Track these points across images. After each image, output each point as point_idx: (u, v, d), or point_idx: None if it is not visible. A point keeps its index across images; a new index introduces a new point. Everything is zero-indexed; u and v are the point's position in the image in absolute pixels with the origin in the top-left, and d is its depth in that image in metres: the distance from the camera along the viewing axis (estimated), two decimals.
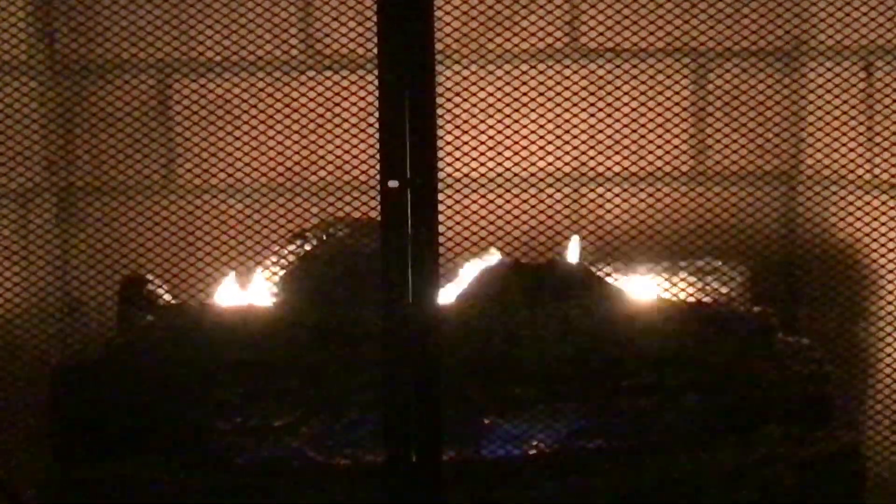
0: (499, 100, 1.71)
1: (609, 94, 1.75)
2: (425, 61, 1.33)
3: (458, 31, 1.57)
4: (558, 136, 1.71)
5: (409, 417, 1.37)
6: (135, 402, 1.57)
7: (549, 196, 1.75)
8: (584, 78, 1.74)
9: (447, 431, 1.40)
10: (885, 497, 1.63)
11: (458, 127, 1.58)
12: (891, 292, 1.66)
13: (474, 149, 1.59)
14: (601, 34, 1.73)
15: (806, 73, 1.86)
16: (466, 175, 1.55)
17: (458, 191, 1.50)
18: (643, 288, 1.74)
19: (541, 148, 1.70)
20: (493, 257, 1.74)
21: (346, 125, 1.62)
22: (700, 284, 1.75)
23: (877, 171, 1.71)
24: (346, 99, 1.64)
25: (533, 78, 1.76)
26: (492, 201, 1.64)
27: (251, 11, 1.79)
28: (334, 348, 1.57)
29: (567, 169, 1.76)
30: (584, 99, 1.71)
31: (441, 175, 1.34)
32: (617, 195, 1.78)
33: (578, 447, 1.55)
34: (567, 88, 1.73)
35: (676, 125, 1.86)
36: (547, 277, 1.66)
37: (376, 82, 1.34)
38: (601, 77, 1.76)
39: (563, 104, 1.72)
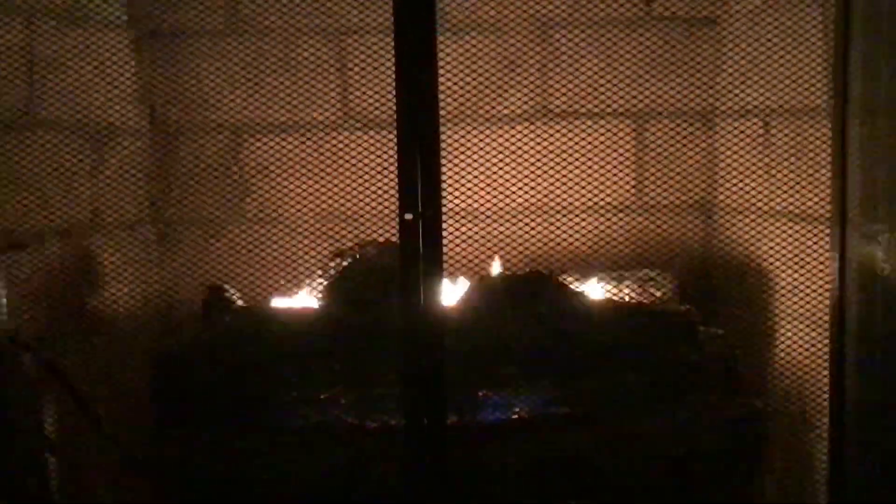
0: (488, 152, 1.70)
1: (572, 146, 1.75)
2: (432, 122, 1.36)
3: (458, 100, 1.58)
4: (533, 178, 1.75)
5: (421, 391, 1.39)
6: (216, 380, 1.58)
7: (526, 223, 1.76)
8: (551, 135, 1.77)
9: (450, 402, 1.42)
10: (782, 451, 1.65)
11: (457, 173, 1.58)
12: (784, 294, 1.66)
13: (469, 189, 1.61)
14: (564, 103, 1.86)
15: (719, 129, 1.88)
16: (464, 209, 1.58)
17: (457, 220, 1.50)
18: (597, 292, 1.76)
19: (520, 187, 1.71)
20: (485, 270, 1.77)
21: (373, 171, 1.60)
22: (639, 289, 1.77)
23: (773, 203, 1.72)
24: (373, 152, 1.63)
25: (514, 135, 1.81)
26: (483, 227, 1.70)
27: (302, 87, 1.86)
28: (365, 339, 1.58)
29: (539, 203, 1.79)
30: (552, 151, 1.76)
31: (444, 209, 1.36)
32: (577, 223, 1.74)
33: (548, 413, 1.55)
34: (539, 144, 1.79)
35: (621, 169, 1.88)
36: (524, 285, 1.65)
37: (396, 139, 1.35)
38: (564, 134, 1.75)
39: (537, 154, 1.78)
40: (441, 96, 1.36)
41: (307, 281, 1.76)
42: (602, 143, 1.78)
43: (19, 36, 1.58)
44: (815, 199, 1.55)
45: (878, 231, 1.32)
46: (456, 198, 1.53)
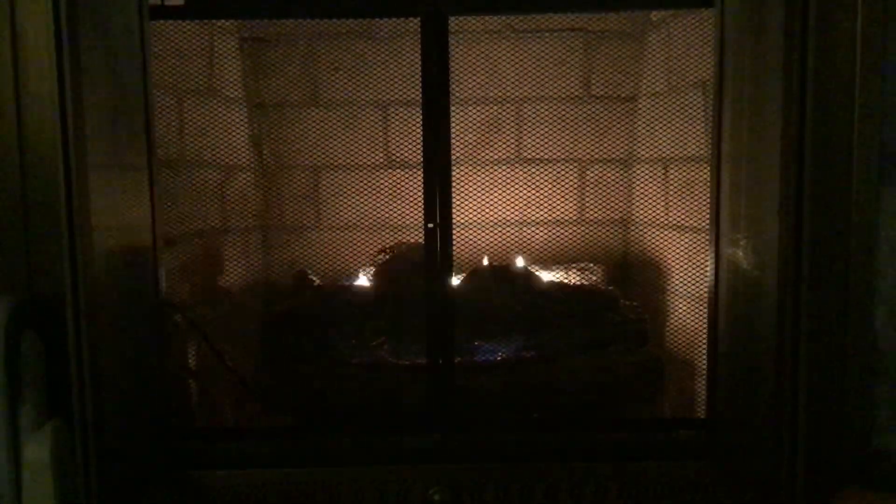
0: (483, 184, 1.68)
1: (537, 181, 1.75)
2: (446, 164, 1.34)
3: (463, 149, 1.60)
4: (511, 201, 1.75)
5: (437, 341, 1.37)
6: (302, 333, 1.57)
7: (507, 231, 1.74)
8: (523, 173, 1.78)
9: (456, 348, 1.39)
10: (673, 383, 1.60)
11: (462, 197, 1.48)
12: (678, 280, 1.62)
13: (470, 208, 1.59)
14: (532, 152, 1.80)
15: (635, 170, 1.83)
16: (466, 221, 1.52)
17: (461, 229, 1.43)
18: (552, 277, 1.74)
19: (503, 207, 1.70)
20: (479, 262, 1.72)
21: (408, 196, 1.55)
22: (580, 276, 1.74)
23: (670, 219, 1.69)
24: (407, 184, 1.57)
25: (499, 173, 1.79)
26: (478, 233, 1.64)
27: (359, 139, 1.79)
28: (400, 306, 1.54)
29: (516, 217, 1.77)
30: (523, 184, 1.76)
31: (453, 221, 1.34)
32: (540, 231, 1.75)
33: (520, 356, 1.54)
34: (515, 179, 1.78)
35: (569, 195, 1.83)
36: (505, 272, 1.64)
37: (423, 175, 1.33)
38: (532, 173, 1.75)
39: (514, 185, 1.78)
40: (452, 146, 1.34)
41: (362, 268, 1.74)
42: (557, 178, 1.79)
43: (174, 106, 1.56)
44: (699, 217, 1.52)
45: (741, 239, 1.29)
46: (461, 214, 1.45)
